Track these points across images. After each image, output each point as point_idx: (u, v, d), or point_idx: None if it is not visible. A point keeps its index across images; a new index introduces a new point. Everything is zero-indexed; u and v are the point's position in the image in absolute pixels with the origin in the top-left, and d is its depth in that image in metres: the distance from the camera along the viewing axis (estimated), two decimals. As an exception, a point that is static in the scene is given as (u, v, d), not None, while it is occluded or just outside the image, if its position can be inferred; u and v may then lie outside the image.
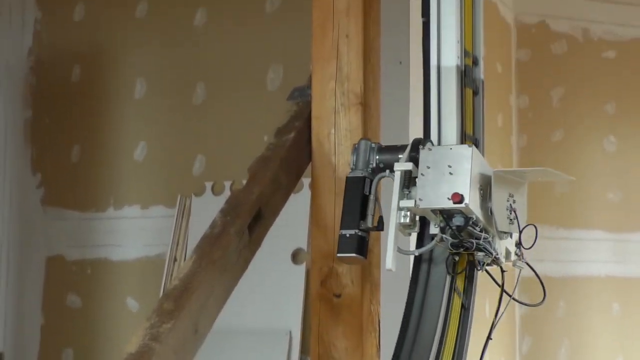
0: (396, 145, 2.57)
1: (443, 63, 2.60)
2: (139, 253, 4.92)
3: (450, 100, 2.60)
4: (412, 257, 2.51)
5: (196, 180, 4.80)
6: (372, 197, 2.54)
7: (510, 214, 2.52)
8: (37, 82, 5.22)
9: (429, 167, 2.43)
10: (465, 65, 2.62)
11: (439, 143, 2.57)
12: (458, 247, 2.43)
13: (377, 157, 2.58)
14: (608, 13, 5.51)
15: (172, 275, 4.64)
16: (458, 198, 2.38)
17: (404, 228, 2.45)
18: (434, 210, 2.43)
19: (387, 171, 2.53)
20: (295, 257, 4.51)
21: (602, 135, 5.48)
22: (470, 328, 2.53)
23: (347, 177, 2.57)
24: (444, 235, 2.43)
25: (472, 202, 2.39)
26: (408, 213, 2.43)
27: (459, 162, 2.41)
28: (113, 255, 4.98)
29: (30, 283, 5.12)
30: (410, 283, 2.51)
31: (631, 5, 5.51)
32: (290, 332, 4.41)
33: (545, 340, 5.34)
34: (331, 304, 2.78)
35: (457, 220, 2.42)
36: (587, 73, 5.50)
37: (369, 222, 2.53)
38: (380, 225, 2.53)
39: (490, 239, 2.46)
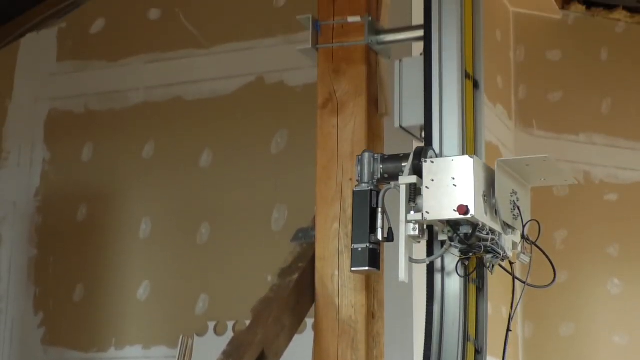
0: (399, 155, 2.68)
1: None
2: (140, 394, 4.86)
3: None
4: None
5: (199, 320, 4.77)
6: (379, 209, 2.63)
7: (514, 210, 2.61)
8: (43, 221, 5.24)
9: (433, 180, 2.52)
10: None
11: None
12: (467, 253, 2.53)
13: (381, 167, 2.68)
14: (609, 157, 5.58)
15: (173, 417, 4.55)
16: (464, 210, 2.47)
17: (414, 238, 2.55)
18: (441, 220, 2.53)
19: (392, 184, 2.64)
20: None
21: (606, 278, 5.46)
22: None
23: (354, 191, 2.67)
24: (452, 243, 2.54)
25: (477, 210, 2.48)
26: (417, 225, 2.53)
27: (462, 174, 2.50)
28: (114, 396, 4.91)
29: None
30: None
31: (632, 150, 5.57)
32: None
33: None
34: None
35: (464, 229, 2.52)
36: (589, 216, 5.52)
37: (379, 234, 2.62)
38: (390, 237, 2.63)
39: (497, 239, 2.55)
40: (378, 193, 2.65)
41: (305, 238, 2.98)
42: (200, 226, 4.89)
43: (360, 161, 2.70)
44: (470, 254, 2.54)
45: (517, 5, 5.64)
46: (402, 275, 2.50)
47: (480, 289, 2.66)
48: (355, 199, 2.66)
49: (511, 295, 2.65)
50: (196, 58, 5.06)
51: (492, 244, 2.53)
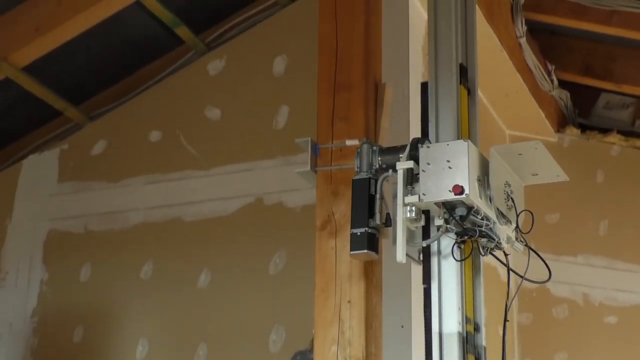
0: (396, 146, 2.78)
1: (444, 330, 2.65)
2: None
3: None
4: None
5: None
6: (378, 196, 2.72)
7: (508, 201, 2.72)
8: (38, 343, 5.20)
9: (429, 164, 2.62)
10: (466, 332, 2.66)
11: None
12: (463, 235, 2.61)
13: (380, 158, 2.79)
14: (608, 279, 5.57)
15: None
16: (459, 189, 2.56)
17: (411, 222, 2.63)
18: (437, 203, 2.61)
19: (390, 171, 2.73)
20: None
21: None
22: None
23: (353, 180, 2.76)
24: (448, 226, 2.62)
25: (472, 192, 2.57)
26: (414, 208, 2.61)
27: (456, 156, 2.60)
28: None
29: None
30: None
31: (631, 272, 5.57)
32: None
33: None
34: None
35: (460, 211, 2.60)
36: (589, 338, 5.48)
37: (377, 219, 2.70)
38: (388, 222, 2.71)
39: (491, 225, 2.63)
40: (376, 181, 2.74)
41: (303, 360, 2.96)
42: (197, 347, 4.85)
43: (359, 153, 2.81)
44: (466, 237, 2.62)
45: (513, 128, 5.73)
46: (400, 255, 2.58)
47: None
48: (355, 187, 2.75)
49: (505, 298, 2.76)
50: (196, 179, 5.10)
51: (487, 229, 2.62)
